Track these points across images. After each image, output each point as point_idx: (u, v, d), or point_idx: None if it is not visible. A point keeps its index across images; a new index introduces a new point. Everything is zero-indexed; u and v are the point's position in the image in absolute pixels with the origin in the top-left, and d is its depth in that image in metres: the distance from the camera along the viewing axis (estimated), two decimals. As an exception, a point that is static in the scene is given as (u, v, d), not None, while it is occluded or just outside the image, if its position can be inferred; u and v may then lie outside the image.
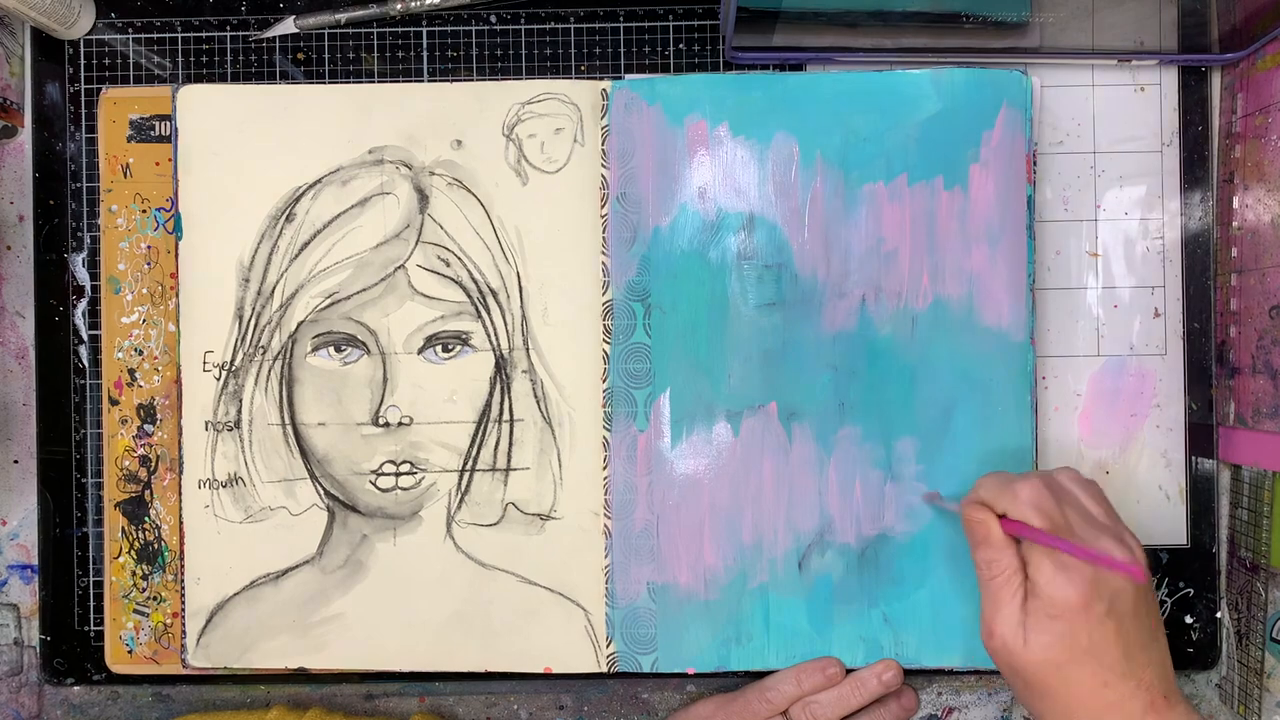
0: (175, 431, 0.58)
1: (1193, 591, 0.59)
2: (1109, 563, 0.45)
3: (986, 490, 0.50)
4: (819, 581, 0.56)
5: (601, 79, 0.57)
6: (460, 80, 0.58)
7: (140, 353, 0.59)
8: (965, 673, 0.59)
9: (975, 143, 0.56)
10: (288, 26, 0.59)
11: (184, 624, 0.57)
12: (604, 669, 0.57)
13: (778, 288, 0.56)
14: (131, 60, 0.59)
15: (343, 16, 0.59)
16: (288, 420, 0.57)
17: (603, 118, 0.56)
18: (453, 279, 0.57)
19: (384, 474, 0.57)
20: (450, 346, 0.57)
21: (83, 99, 0.59)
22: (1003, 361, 0.56)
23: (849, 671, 0.56)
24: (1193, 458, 0.59)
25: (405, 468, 0.57)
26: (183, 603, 0.57)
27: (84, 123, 0.59)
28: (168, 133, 0.58)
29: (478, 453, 0.57)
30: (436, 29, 0.59)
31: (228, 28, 0.59)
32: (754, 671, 0.57)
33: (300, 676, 0.59)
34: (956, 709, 0.60)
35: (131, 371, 0.59)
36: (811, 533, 0.56)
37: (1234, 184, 0.58)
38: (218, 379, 0.57)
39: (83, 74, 0.59)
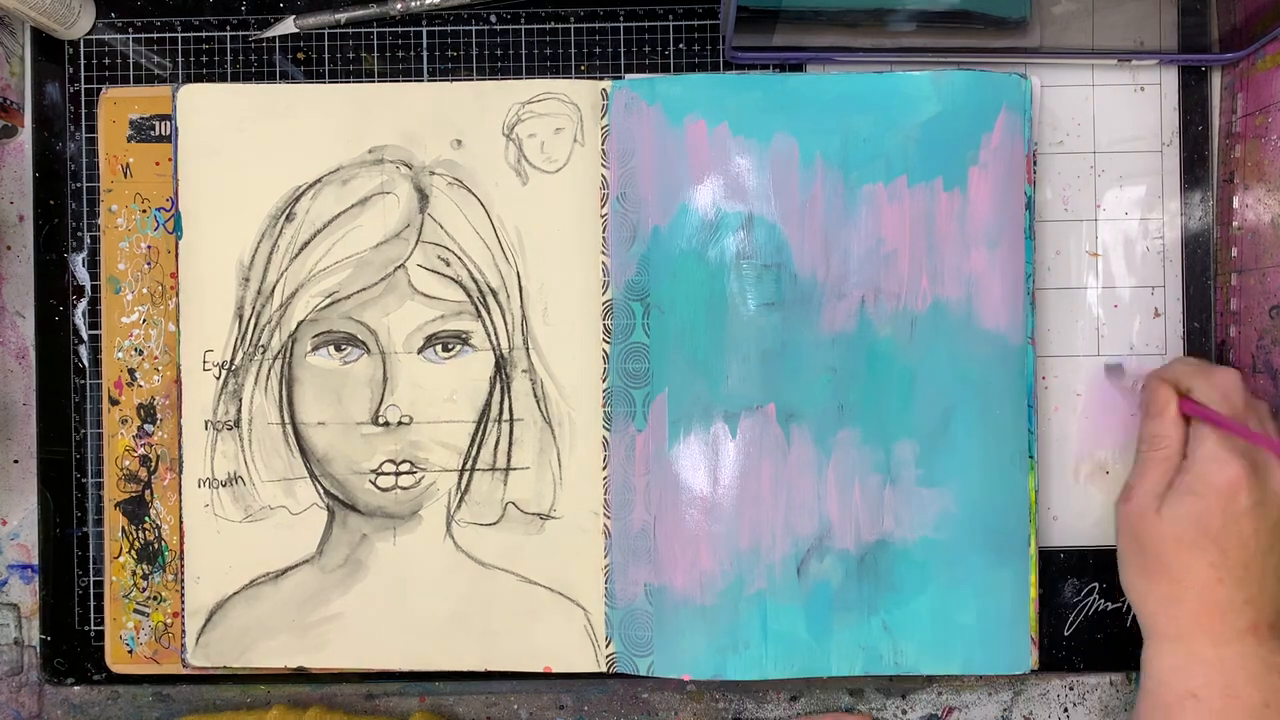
0: (175, 431, 0.58)
1: (1192, 592, 0.59)
2: None
3: (1181, 369, 0.51)
4: (817, 588, 0.56)
5: (601, 79, 0.57)
6: (460, 80, 0.58)
7: (140, 352, 0.59)
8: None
9: (975, 145, 0.55)
10: (288, 26, 0.59)
11: (184, 623, 0.57)
12: (604, 669, 0.57)
13: (777, 288, 0.56)
14: (131, 60, 0.59)
15: (343, 16, 0.59)
16: (287, 419, 0.57)
17: (603, 118, 0.56)
18: (453, 279, 0.57)
19: (384, 473, 0.57)
20: (450, 346, 0.57)
21: (83, 99, 0.59)
22: (1002, 364, 0.56)
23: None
24: (1192, 458, 0.59)
25: (405, 467, 0.57)
26: (183, 602, 0.57)
27: (84, 123, 0.59)
28: (168, 133, 0.58)
29: (477, 452, 0.57)
30: (436, 29, 0.59)
31: (228, 28, 0.59)
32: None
33: (300, 676, 0.59)
34: (957, 709, 0.60)
35: (131, 371, 0.59)
36: (810, 538, 0.56)
37: (1234, 184, 0.57)
38: (218, 378, 0.57)
39: (83, 74, 0.59)
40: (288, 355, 0.57)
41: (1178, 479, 0.48)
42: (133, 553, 0.59)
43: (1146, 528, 0.48)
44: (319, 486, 0.57)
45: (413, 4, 0.58)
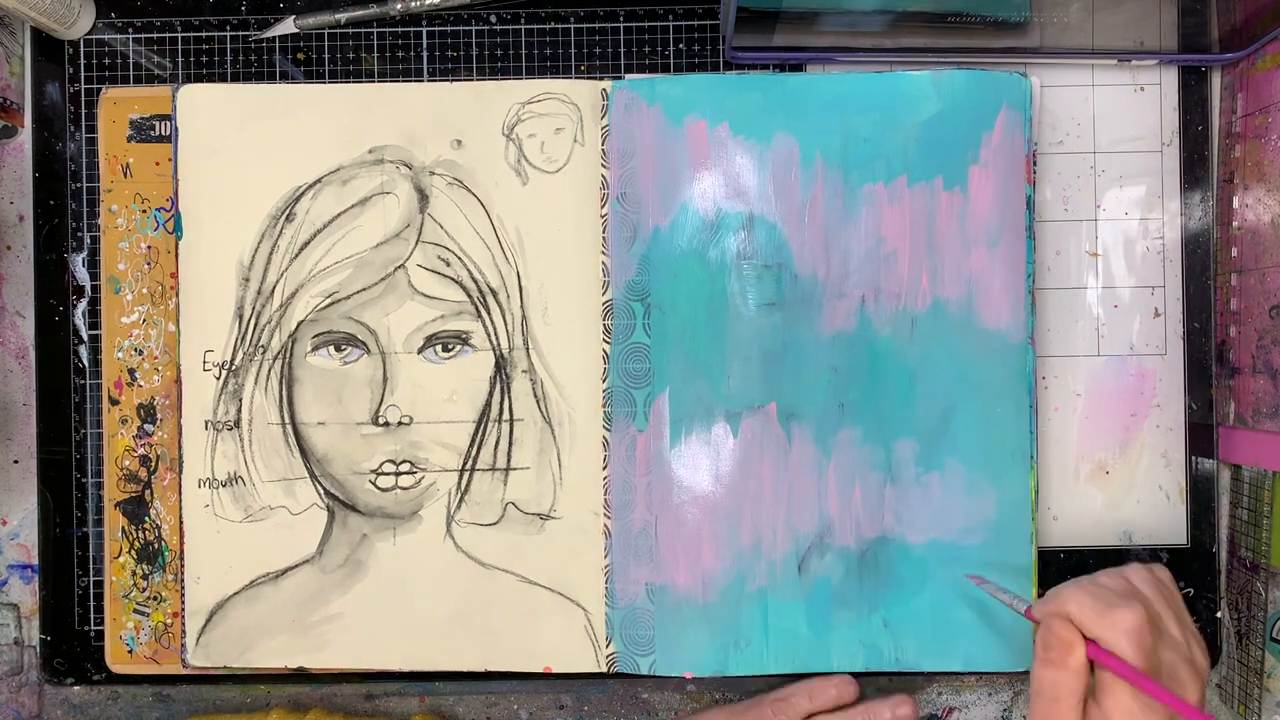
0: (175, 431, 0.58)
1: (1193, 591, 0.59)
2: None
3: (1078, 608, 0.44)
4: (818, 584, 0.56)
5: (601, 79, 0.57)
6: (460, 80, 0.58)
7: (140, 352, 0.59)
8: (966, 673, 0.59)
9: (975, 144, 0.56)
10: (288, 26, 0.59)
11: (184, 624, 0.57)
12: (604, 669, 0.57)
13: (777, 288, 0.56)
14: (131, 60, 0.59)
15: (343, 16, 0.59)
16: (287, 420, 0.57)
17: (603, 118, 0.56)
18: (453, 279, 0.57)
19: (384, 473, 0.57)
20: (450, 346, 0.57)
21: (83, 99, 0.59)
22: (1002, 363, 0.56)
23: (856, 679, 0.56)
24: (1193, 458, 0.59)
25: (405, 467, 0.57)
26: (183, 602, 0.57)
27: (84, 123, 0.59)
28: (168, 133, 0.58)
29: (477, 452, 0.57)
30: (436, 29, 0.59)
31: (228, 28, 0.59)
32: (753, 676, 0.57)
33: (300, 676, 0.59)
34: (957, 709, 0.60)
35: (131, 371, 0.59)
36: (811, 535, 0.56)
37: (1234, 184, 0.58)
38: (218, 378, 0.57)
39: (83, 74, 0.59)
40: (288, 355, 0.57)
41: None
42: (133, 553, 0.59)
43: None
44: (319, 487, 0.57)
45: (413, 4, 0.58)
